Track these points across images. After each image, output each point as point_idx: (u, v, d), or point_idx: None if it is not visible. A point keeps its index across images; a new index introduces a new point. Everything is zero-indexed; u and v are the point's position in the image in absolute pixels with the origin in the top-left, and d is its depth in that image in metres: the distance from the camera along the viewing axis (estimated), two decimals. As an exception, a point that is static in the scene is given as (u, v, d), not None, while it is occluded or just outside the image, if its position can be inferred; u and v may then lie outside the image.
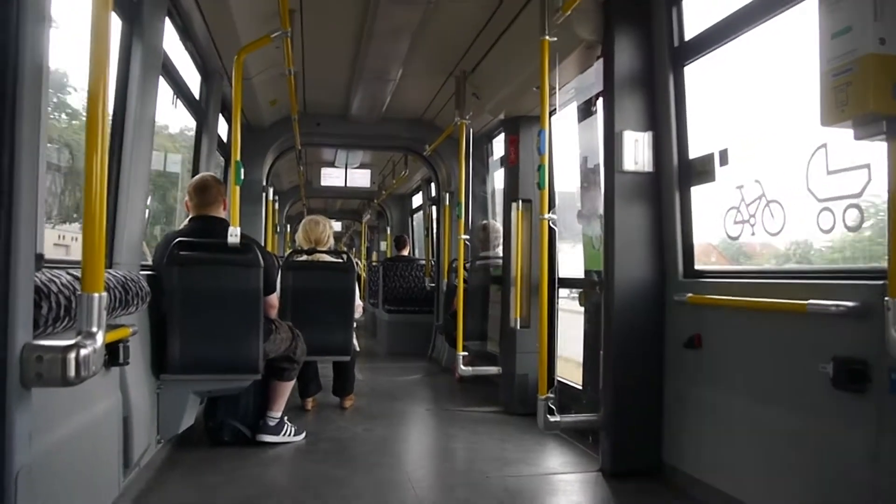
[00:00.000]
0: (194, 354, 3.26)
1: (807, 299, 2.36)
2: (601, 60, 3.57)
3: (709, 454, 2.96)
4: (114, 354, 2.34)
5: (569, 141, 4.77)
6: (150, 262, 3.54)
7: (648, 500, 3.07)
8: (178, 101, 4.22)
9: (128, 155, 2.97)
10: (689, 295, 3.06)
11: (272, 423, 3.80)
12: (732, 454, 2.80)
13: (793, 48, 2.73)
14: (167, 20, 3.46)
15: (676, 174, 3.28)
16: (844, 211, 2.40)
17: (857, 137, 1.75)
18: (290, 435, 3.84)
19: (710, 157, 3.11)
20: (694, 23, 3.27)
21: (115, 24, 2.89)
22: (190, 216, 3.61)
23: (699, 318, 3.05)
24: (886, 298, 1.79)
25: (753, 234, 2.89)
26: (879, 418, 2.13)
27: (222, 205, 3.64)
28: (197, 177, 3.75)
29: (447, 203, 7.31)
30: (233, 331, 3.33)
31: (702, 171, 3.15)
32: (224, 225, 3.47)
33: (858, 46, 1.66)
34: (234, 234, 3.34)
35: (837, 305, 2.25)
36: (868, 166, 2.26)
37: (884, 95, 1.64)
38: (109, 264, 2.86)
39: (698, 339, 3.02)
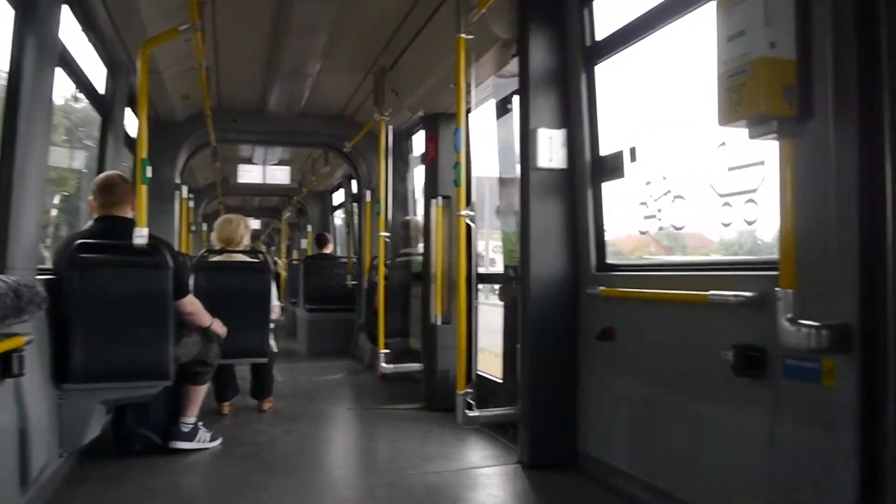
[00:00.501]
0: (98, 362, 3.10)
1: (709, 290, 2.46)
2: (517, 58, 3.62)
3: (622, 442, 3.06)
4: (6, 365, 2.20)
5: (491, 138, 4.82)
6: (49, 266, 3.35)
7: (564, 489, 3.14)
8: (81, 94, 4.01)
9: (21, 151, 2.79)
10: (602, 288, 3.15)
11: (186, 429, 3.67)
12: (644, 442, 2.90)
13: (697, 49, 2.84)
14: (66, 9, 3.27)
15: (589, 170, 3.36)
16: (743, 205, 2.53)
17: (751, 136, 1.84)
18: (204, 441, 3.72)
19: (620, 154, 3.21)
20: (605, 23, 3.37)
21: (9, 12, 2.72)
22: (95, 216, 3.44)
23: (611, 310, 3.14)
24: (777, 289, 1.89)
25: (661, 228, 3.00)
26: (775, 402, 2.25)
27: (130, 204, 3.47)
28: (101, 175, 3.57)
29: (368, 200, 7.26)
30: (140, 336, 3.19)
31: (613, 167, 3.25)
32: (131, 225, 3.32)
33: (751, 50, 1.74)
34: (140, 235, 3.20)
35: (737, 296, 2.35)
36: (763, 163, 2.38)
37: (774, 97, 1.73)
38: (1, 269, 2.68)
39: (611, 332, 3.11)
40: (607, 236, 3.35)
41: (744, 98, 1.75)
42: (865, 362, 1.80)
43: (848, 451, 1.85)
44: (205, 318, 3.72)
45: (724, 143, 2.55)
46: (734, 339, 2.38)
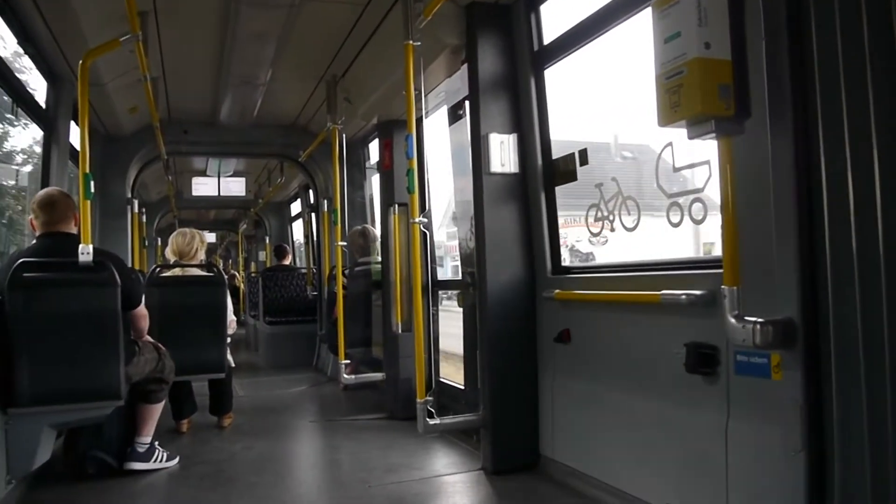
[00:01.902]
0: (46, 384, 3.00)
1: (661, 290, 2.49)
2: (466, 64, 3.63)
3: (582, 444, 3.07)
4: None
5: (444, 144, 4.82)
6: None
7: (527, 493, 3.14)
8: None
9: None
10: (557, 291, 3.17)
11: (141, 449, 3.58)
12: (603, 442, 2.92)
13: (641, 52, 2.88)
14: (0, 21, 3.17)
15: (541, 174, 3.38)
16: (690, 205, 2.56)
17: (690, 136, 1.87)
18: (161, 461, 3.63)
19: (571, 157, 3.23)
20: (552, 28, 3.40)
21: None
22: (38, 234, 3.33)
23: (567, 312, 3.16)
24: (723, 287, 1.92)
25: (613, 230, 3.03)
26: (728, 397, 2.29)
27: (73, 220, 3.37)
28: (42, 192, 3.44)
29: (326, 209, 7.19)
30: (89, 355, 3.09)
31: (564, 170, 3.27)
32: (76, 242, 3.22)
33: (687, 51, 1.77)
34: (85, 252, 3.10)
35: (687, 294, 2.39)
36: (708, 162, 2.42)
37: (711, 97, 1.76)
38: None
39: (567, 334, 3.13)
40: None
41: (682, 99, 1.78)
42: (809, 356, 1.84)
43: (797, 444, 1.88)
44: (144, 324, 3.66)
45: (670, 144, 2.59)
46: (687, 337, 2.41)
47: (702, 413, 2.37)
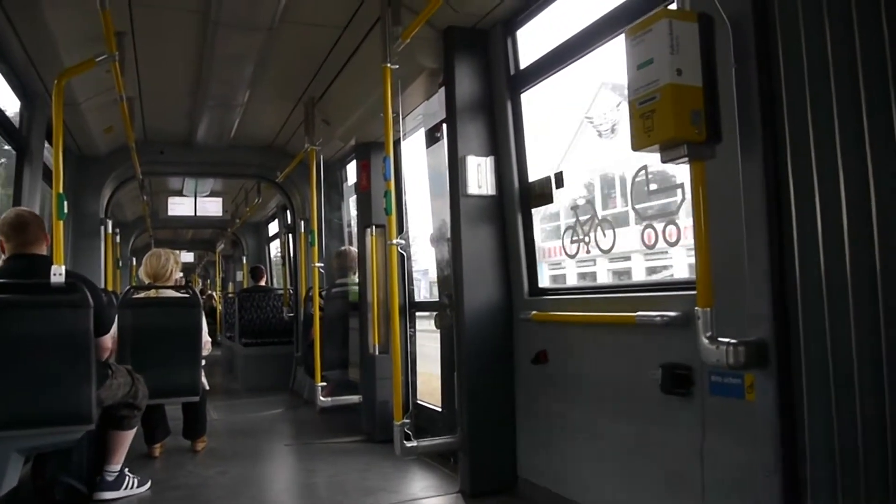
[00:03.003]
0: (13, 407, 2.92)
1: (636, 311, 2.51)
2: (444, 87, 3.66)
3: (560, 466, 3.07)
4: None
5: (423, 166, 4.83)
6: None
7: (505, 517, 3.13)
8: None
9: None
10: (534, 312, 3.18)
11: (111, 477, 3.50)
12: (582, 464, 2.92)
13: (615, 77, 2.93)
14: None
15: (517, 197, 3.41)
16: (664, 227, 2.60)
17: (664, 160, 1.90)
18: (132, 487, 3.56)
19: (547, 180, 3.26)
20: (528, 52, 3.44)
21: None
22: (5, 256, 3.26)
23: (544, 334, 3.17)
24: (696, 308, 1.94)
25: (588, 251, 3.06)
26: (703, 418, 2.30)
27: (45, 241, 3.32)
28: (11, 212, 3.38)
29: (303, 230, 7.16)
30: (59, 378, 3.02)
31: (540, 193, 3.30)
32: (48, 263, 3.17)
33: (660, 77, 1.81)
34: (57, 273, 3.06)
35: (662, 316, 2.41)
36: (682, 186, 2.46)
37: (683, 122, 1.79)
38: None
39: (544, 355, 3.13)
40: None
41: (655, 123, 1.81)
42: (782, 377, 1.86)
43: (770, 466, 1.89)
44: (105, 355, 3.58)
45: (644, 167, 2.63)
46: (662, 358, 2.43)
47: (678, 434, 2.39)
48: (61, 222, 3.23)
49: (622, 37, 1.98)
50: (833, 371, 1.72)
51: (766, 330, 1.88)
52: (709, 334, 1.91)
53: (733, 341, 1.87)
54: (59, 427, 3.05)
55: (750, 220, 1.91)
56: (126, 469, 3.59)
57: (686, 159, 1.84)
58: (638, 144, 1.87)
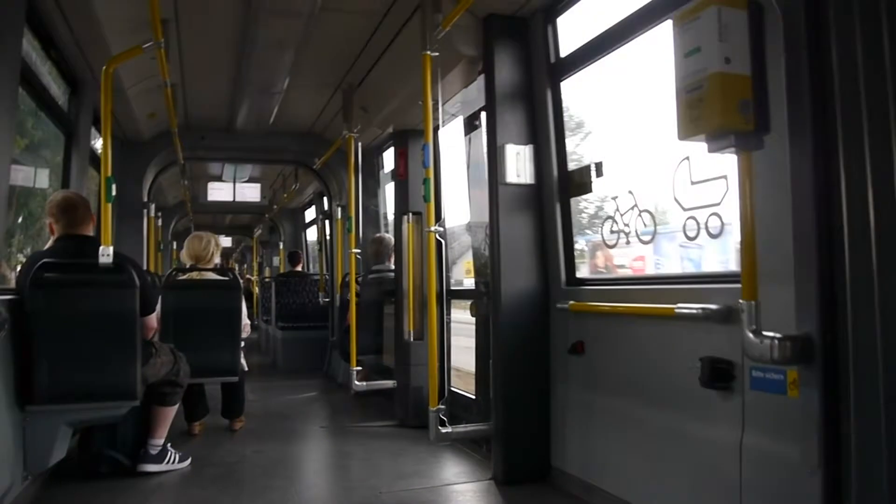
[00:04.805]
0: (64, 382, 3.03)
1: (675, 303, 2.49)
2: (483, 75, 3.64)
3: (594, 457, 3.06)
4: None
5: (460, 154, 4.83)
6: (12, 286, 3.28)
7: (538, 505, 3.13)
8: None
9: None
10: (571, 302, 3.16)
11: (154, 451, 3.61)
12: (616, 455, 2.91)
13: (659, 65, 2.89)
14: (26, 28, 3.22)
15: (556, 186, 3.39)
16: (707, 219, 2.56)
17: (710, 150, 1.87)
18: (173, 462, 3.66)
19: (587, 169, 3.24)
20: (569, 40, 3.41)
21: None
22: (55, 236, 3.37)
23: (581, 324, 3.15)
24: (741, 301, 1.91)
25: (628, 242, 3.03)
26: (743, 413, 2.27)
27: (92, 223, 3.42)
28: (59, 195, 3.48)
29: (339, 217, 7.23)
30: (106, 355, 3.12)
31: (580, 182, 3.28)
32: (95, 244, 3.26)
33: (707, 65, 1.78)
34: (105, 254, 3.15)
35: (703, 308, 2.38)
36: (726, 177, 2.42)
37: (731, 111, 1.76)
38: (-40, 290, 2.61)
39: (581, 346, 3.12)
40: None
41: (702, 113, 1.78)
42: (827, 373, 1.83)
43: (813, 463, 1.87)
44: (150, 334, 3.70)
45: (686, 158, 2.59)
46: (702, 351, 2.40)
47: (716, 428, 2.36)
48: (109, 205, 3.31)
49: (665, 25, 1.94)
50: (882, 368, 1.68)
51: (812, 325, 1.84)
52: (753, 328, 1.88)
53: (778, 335, 1.84)
54: (106, 402, 3.16)
55: (798, 213, 1.87)
56: (168, 444, 3.69)
57: (733, 149, 1.80)
58: (684, 133, 1.85)
